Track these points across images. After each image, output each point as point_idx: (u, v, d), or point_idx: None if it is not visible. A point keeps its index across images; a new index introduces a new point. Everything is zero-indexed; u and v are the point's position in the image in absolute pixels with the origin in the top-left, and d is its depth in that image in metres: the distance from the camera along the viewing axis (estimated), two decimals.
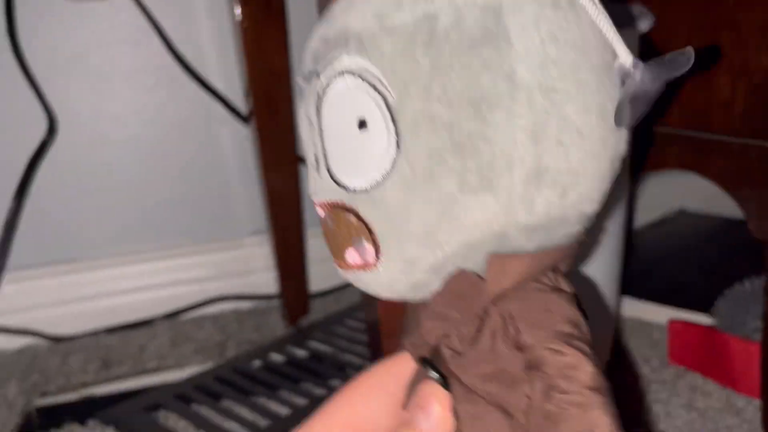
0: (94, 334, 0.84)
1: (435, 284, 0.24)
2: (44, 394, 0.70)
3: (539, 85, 0.22)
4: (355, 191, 0.24)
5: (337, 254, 0.26)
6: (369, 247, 0.24)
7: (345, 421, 0.27)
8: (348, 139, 0.24)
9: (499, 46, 0.22)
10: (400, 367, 0.28)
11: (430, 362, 0.25)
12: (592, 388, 0.22)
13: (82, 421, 0.64)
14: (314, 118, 0.25)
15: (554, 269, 0.25)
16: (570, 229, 0.25)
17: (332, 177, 0.25)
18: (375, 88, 0.23)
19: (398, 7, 0.23)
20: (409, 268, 0.24)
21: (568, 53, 0.23)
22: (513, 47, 0.22)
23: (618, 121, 0.24)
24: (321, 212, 0.26)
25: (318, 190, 0.26)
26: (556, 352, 0.22)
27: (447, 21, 0.22)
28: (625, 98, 0.23)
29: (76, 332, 0.84)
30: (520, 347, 0.23)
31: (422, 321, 0.25)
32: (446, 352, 0.24)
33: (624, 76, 0.24)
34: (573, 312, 0.23)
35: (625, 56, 0.24)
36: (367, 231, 0.24)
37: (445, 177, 0.23)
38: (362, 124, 0.23)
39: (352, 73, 0.23)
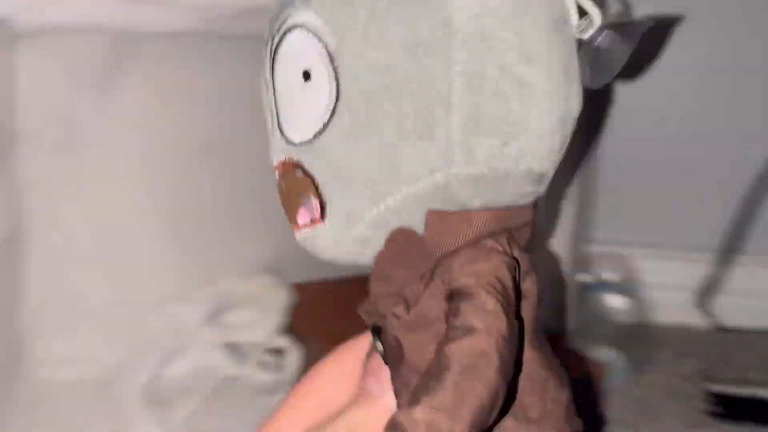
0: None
1: (380, 241, 0.24)
2: (714, 380, 0.66)
3: (477, 32, 0.22)
4: (300, 144, 0.24)
5: (291, 217, 0.25)
6: (315, 203, 0.24)
7: (314, 404, 0.28)
8: (295, 93, 0.24)
9: None
10: (358, 346, 0.28)
11: (378, 332, 0.25)
12: (497, 328, 0.21)
13: (756, 421, 0.60)
14: (269, 79, 0.25)
15: (510, 237, 0.24)
16: (519, 187, 0.24)
17: (282, 134, 0.25)
18: (317, 37, 0.23)
19: None
20: (352, 221, 0.24)
21: (508, 4, 0.22)
22: None
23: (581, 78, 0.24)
24: (276, 175, 0.26)
25: (273, 153, 0.25)
26: (476, 295, 0.21)
27: None
28: (586, 54, 0.23)
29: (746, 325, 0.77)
30: (450, 295, 0.22)
31: (371, 286, 0.24)
32: (392, 320, 0.24)
33: (583, 34, 0.23)
34: (505, 274, 0.22)
35: (593, 12, 0.23)
36: (312, 186, 0.24)
37: (383, 123, 0.22)
38: (307, 75, 0.23)
39: (297, 26, 0.23)
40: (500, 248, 0.23)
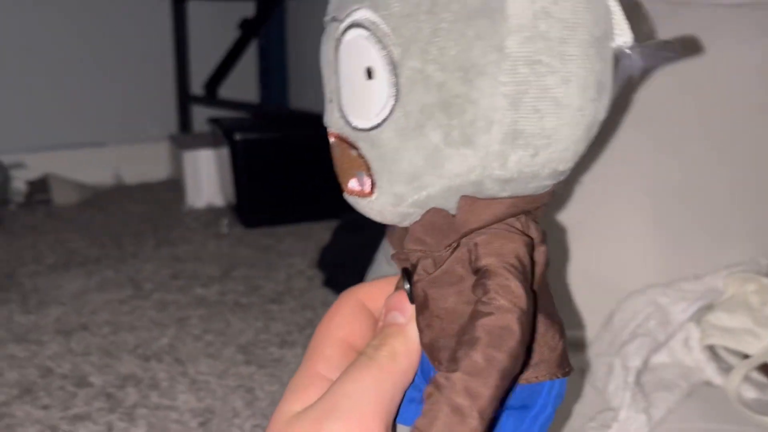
0: None
1: (418, 216, 0.27)
2: None
3: (525, 57, 0.24)
4: (358, 129, 0.26)
5: (343, 180, 0.29)
6: (366, 179, 0.27)
7: (344, 336, 0.31)
8: (357, 83, 0.26)
9: (494, 19, 0.24)
10: (375, 289, 0.32)
11: (409, 274, 0.29)
12: (518, 305, 0.25)
13: None
14: (332, 59, 0.27)
15: (527, 214, 0.28)
16: (542, 182, 0.27)
17: (342, 114, 0.27)
18: (382, 43, 0.25)
19: None
20: (397, 201, 0.27)
21: (557, 28, 0.24)
22: (506, 21, 0.24)
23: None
24: (331, 140, 0.29)
25: (331, 122, 0.28)
26: (500, 275, 0.26)
27: None
28: (620, 75, 0.26)
29: None
30: (476, 270, 0.26)
31: (405, 243, 0.28)
32: (421, 273, 0.28)
33: (620, 55, 0.26)
34: (524, 253, 0.26)
35: (626, 36, 0.26)
36: (365, 166, 0.27)
37: (432, 130, 0.25)
38: (369, 73, 0.25)
39: (364, 26, 0.25)
40: (519, 228, 0.27)
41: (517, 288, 0.25)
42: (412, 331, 0.29)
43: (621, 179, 0.58)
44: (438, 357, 0.28)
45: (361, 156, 0.27)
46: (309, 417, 0.27)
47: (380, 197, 0.27)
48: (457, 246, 0.27)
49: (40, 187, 1.36)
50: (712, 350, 0.54)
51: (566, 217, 0.59)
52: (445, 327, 0.28)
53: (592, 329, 0.57)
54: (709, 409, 0.49)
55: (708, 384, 0.52)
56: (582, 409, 0.49)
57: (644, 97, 0.55)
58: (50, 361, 0.71)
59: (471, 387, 0.24)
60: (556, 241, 0.60)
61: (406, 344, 0.29)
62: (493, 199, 0.27)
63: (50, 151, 1.46)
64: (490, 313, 0.25)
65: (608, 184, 0.58)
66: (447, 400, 0.24)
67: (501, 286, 0.25)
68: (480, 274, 0.26)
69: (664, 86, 0.55)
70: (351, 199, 0.29)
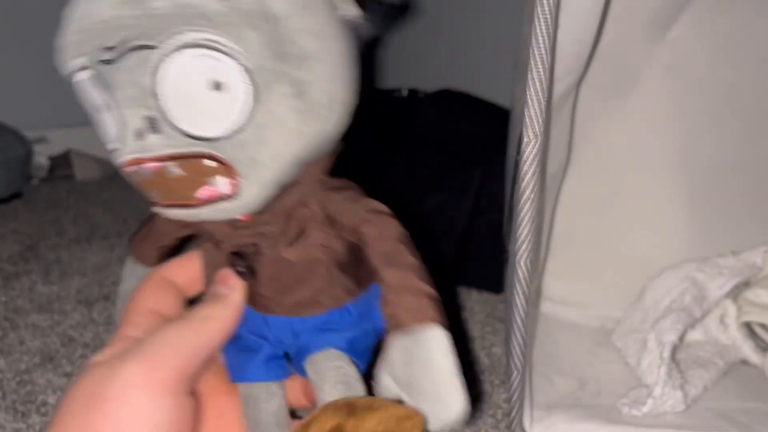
0: None
1: (271, 196, 0.29)
2: None
3: (331, 36, 0.28)
4: (212, 140, 0.27)
5: (184, 196, 0.28)
6: (224, 181, 0.27)
7: (152, 307, 0.33)
8: (199, 98, 0.26)
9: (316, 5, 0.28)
10: (175, 266, 0.34)
11: (239, 255, 0.31)
12: (390, 212, 0.30)
13: None
14: (147, 84, 0.26)
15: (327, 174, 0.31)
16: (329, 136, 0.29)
17: (181, 132, 0.27)
18: (232, 57, 0.26)
19: None
20: (264, 188, 0.28)
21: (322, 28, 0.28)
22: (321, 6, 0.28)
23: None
24: (151, 166, 0.28)
25: (153, 147, 0.27)
26: (370, 205, 0.30)
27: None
28: (359, 41, 0.29)
29: None
30: (333, 221, 0.30)
31: (236, 230, 0.30)
32: (266, 259, 0.30)
33: (353, 24, 0.29)
34: (357, 186, 0.31)
35: (353, 11, 0.29)
36: (229, 170, 0.27)
37: (289, 116, 0.27)
38: (217, 86, 0.26)
39: (203, 45, 0.26)
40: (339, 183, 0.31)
41: (379, 204, 0.30)
42: (233, 300, 0.31)
43: (654, 153, 0.56)
44: (300, 304, 0.31)
45: (222, 162, 0.27)
46: (110, 360, 0.29)
47: (246, 191, 0.28)
48: (291, 213, 0.30)
49: (62, 162, 1.36)
50: (748, 327, 0.52)
51: (596, 190, 0.58)
52: (305, 274, 0.31)
53: (622, 305, 0.55)
54: (746, 387, 0.47)
55: (745, 362, 0.50)
56: (612, 387, 0.47)
57: (678, 71, 0.53)
58: (72, 330, 0.71)
59: (423, 276, 0.29)
60: (586, 214, 0.58)
61: (222, 310, 0.31)
62: (317, 161, 0.30)
63: (72, 127, 1.46)
64: (386, 228, 0.29)
65: (641, 157, 0.56)
66: (419, 292, 0.28)
67: (376, 213, 0.30)
68: (353, 218, 0.30)
69: (699, 60, 0.53)
70: (200, 211, 0.28)
